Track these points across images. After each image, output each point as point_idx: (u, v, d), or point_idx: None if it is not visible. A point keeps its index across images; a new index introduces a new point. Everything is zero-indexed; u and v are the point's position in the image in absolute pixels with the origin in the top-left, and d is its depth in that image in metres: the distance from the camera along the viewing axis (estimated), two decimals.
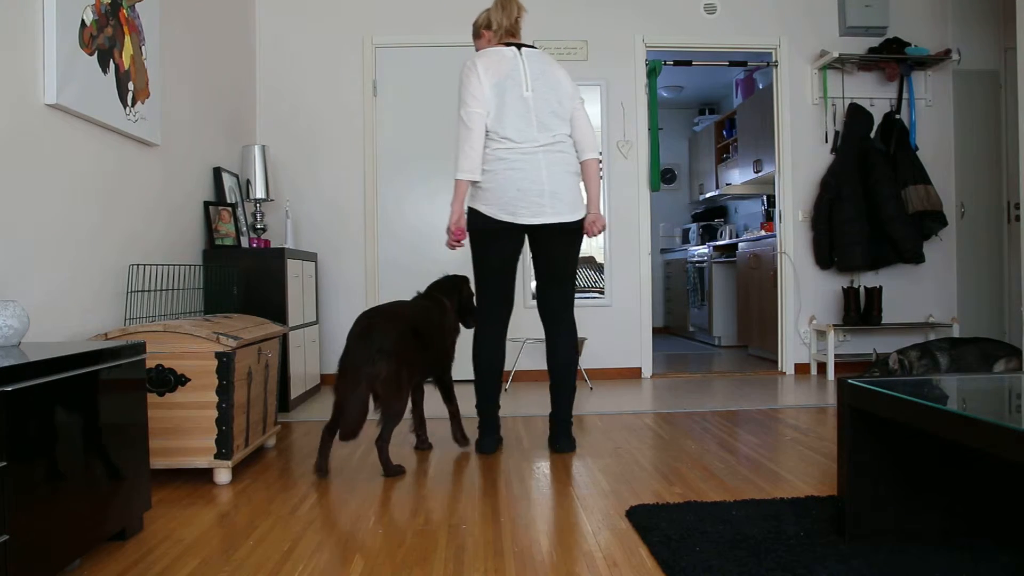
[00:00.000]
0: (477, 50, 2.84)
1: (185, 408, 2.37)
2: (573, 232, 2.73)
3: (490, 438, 2.79)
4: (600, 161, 2.87)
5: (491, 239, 2.70)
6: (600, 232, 2.78)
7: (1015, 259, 4.64)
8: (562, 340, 2.79)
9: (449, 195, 4.62)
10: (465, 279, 2.98)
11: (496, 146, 2.65)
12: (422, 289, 2.96)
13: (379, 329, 2.43)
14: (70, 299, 2.45)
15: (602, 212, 2.99)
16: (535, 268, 2.84)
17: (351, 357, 2.42)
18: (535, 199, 2.63)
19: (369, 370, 2.38)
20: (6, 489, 1.36)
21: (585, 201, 2.77)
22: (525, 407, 3.73)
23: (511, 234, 2.69)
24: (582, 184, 2.78)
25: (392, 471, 2.47)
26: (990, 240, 4.92)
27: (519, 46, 2.75)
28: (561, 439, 2.78)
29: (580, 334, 4.13)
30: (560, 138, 2.70)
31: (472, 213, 2.73)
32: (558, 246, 2.73)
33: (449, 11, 4.70)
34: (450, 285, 2.93)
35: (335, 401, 2.48)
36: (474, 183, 2.69)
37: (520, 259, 2.84)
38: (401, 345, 2.45)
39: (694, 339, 7.27)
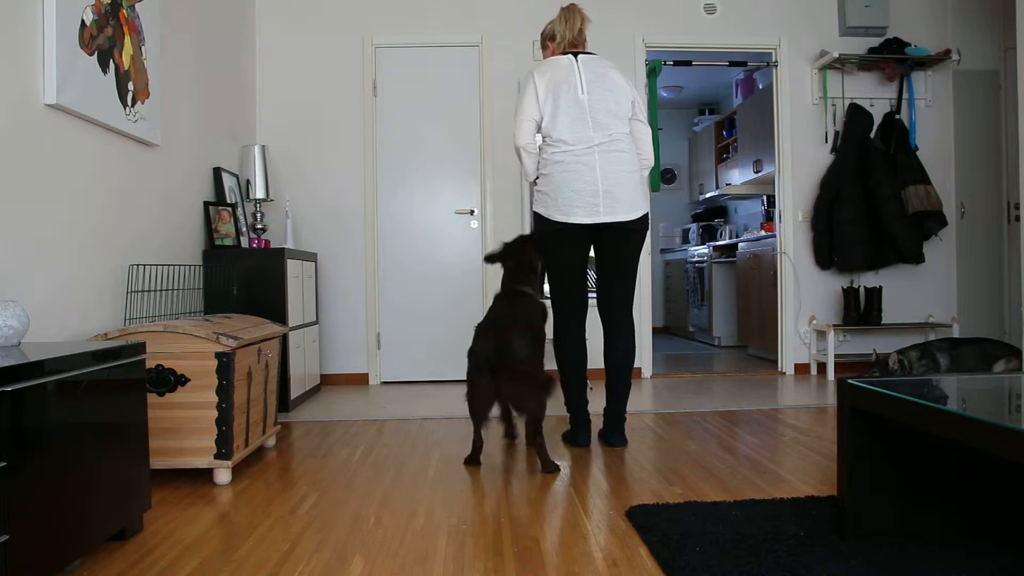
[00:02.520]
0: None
1: (185, 408, 2.37)
2: (631, 231, 2.77)
3: (585, 432, 2.83)
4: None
5: (556, 240, 2.78)
6: None
7: (1015, 259, 4.64)
8: (620, 338, 2.84)
9: (449, 195, 4.72)
10: (525, 242, 2.90)
11: (552, 150, 2.74)
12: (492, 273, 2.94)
13: (518, 337, 2.47)
14: (70, 299, 2.45)
15: None
16: (596, 266, 2.89)
17: (496, 363, 2.44)
18: (589, 199, 2.69)
19: (510, 374, 2.43)
20: (6, 489, 1.36)
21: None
22: None
23: (574, 233, 2.74)
24: (644, 183, 2.83)
25: (552, 467, 2.50)
26: (990, 240, 4.92)
27: (575, 53, 2.81)
28: (614, 434, 2.83)
29: None
30: (617, 136, 2.74)
31: (535, 216, 2.84)
32: (615, 245, 2.79)
33: (449, 12, 4.70)
34: (525, 267, 2.85)
35: (477, 406, 2.53)
36: (536, 188, 2.82)
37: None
38: (536, 349, 2.56)
39: (694, 339, 7.27)
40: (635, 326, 2.91)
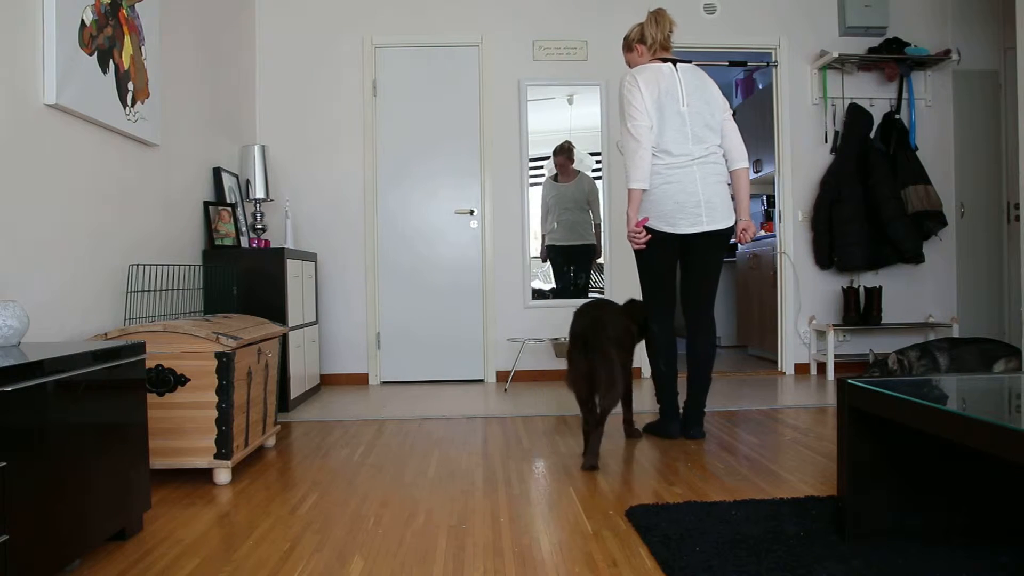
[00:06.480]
0: (628, 63, 3.03)
1: (185, 408, 2.37)
2: (725, 237, 2.91)
3: (675, 423, 2.96)
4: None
5: (654, 248, 2.87)
6: (752, 239, 2.97)
7: (1015, 259, 4.64)
8: (703, 337, 2.96)
9: (449, 195, 4.71)
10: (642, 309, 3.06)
11: (655, 161, 2.82)
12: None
13: (610, 317, 2.65)
14: (70, 299, 2.45)
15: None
16: (683, 269, 2.98)
17: (590, 341, 2.53)
18: (692, 210, 2.81)
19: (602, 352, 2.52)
20: (6, 489, 1.36)
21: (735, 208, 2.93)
22: (524, 407, 3.73)
23: (670, 242, 2.86)
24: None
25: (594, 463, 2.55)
26: (990, 240, 4.92)
27: (674, 62, 2.89)
28: (693, 427, 2.95)
29: None
30: (712, 149, 2.87)
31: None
32: (710, 251, 2.91)
33: (449, 11, 4.70)
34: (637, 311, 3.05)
35: (583, 388, 2.55)
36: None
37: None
38: (626, 336, 2.74)
39: None
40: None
